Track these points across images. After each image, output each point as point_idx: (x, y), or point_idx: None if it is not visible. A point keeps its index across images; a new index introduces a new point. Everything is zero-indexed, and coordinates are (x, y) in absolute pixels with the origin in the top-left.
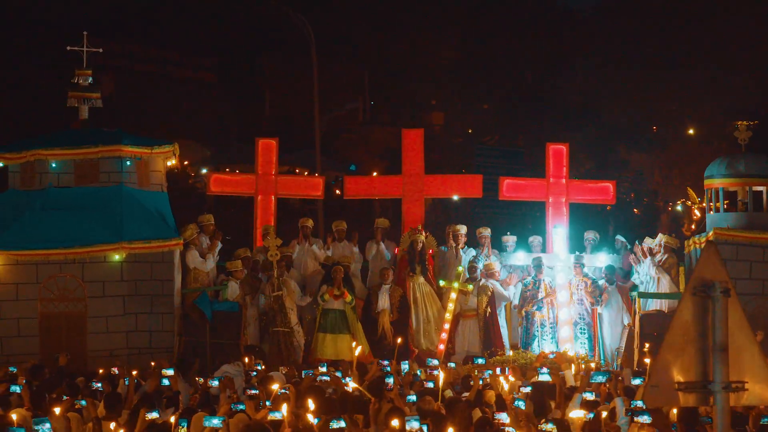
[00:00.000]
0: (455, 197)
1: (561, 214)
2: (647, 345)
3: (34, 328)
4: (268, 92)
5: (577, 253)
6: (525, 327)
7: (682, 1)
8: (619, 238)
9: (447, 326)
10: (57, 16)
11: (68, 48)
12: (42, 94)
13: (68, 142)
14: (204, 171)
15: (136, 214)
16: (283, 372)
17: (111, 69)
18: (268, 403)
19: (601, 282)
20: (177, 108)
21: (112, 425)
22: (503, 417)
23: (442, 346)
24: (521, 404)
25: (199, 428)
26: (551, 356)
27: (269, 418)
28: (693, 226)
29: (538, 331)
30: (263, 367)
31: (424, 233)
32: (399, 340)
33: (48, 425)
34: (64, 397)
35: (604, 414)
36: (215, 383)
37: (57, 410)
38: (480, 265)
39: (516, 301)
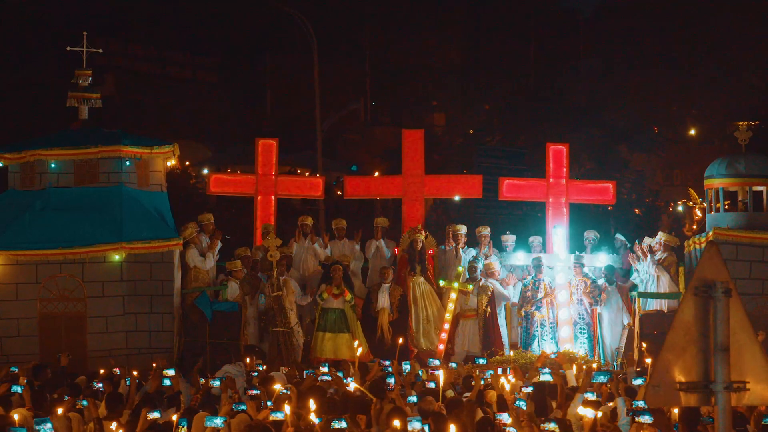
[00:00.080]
0: (456, 198)
1: (561, 215)
2: (644, 344)
3: (33, 328)
4: (270, 93)
5: (577, 252)
6: (525, 327)
7: (683, 2)
8: (619, 237)
9: (447, 326)
10: (58, 16)
11: (68, 48)
12: (42, 94)
13: (68, 143)
14: (205, 171)
15: (136, 215)
16: (284, 372)
17: (112, 69)
18: (269, 404)
19: (601, 282)
20: (178, 108)
21: (114, 425)
22: (504, 417)
23: (441, 346)
24: (522, 404)
25: (200, 428)
26: (553, 356)
27: (271, 418)
28: (694, 227)
29: (538, 331)
30: (264, 367)
31: (423, 233)
32: (400, 340)
33: (49, 425)
34: (66, 397)
35: (599, 414)
36: (217, 383)
37: (59, 410)
38: (480, 265)
39: (516, 300)
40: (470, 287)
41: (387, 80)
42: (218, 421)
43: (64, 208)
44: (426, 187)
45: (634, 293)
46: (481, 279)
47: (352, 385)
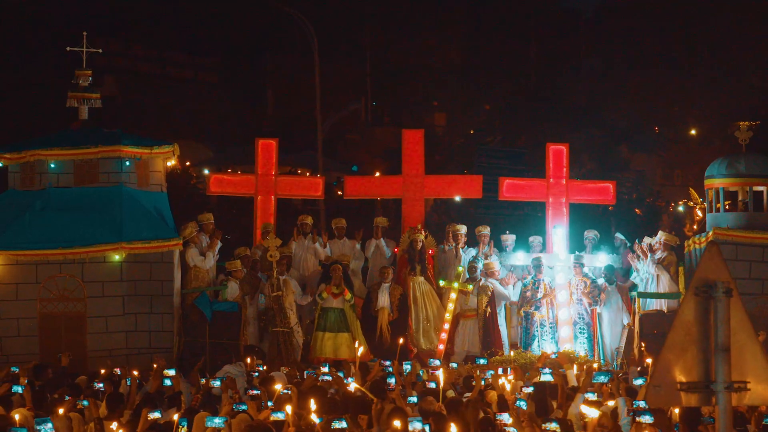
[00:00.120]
0: (457, 198)
1: (561, 215)
2: (643, 344)
3: (33, 328)
4: (270, 93)
5: (577, 252)
6: (525, 327)
7: (683, 2)
8: (618, 235)
9: (447, 326)
10: (58, 16)
11: (68, 49)
12: (42, 94)
13: (68, 143)
14: (206, 172)
15: (136, 215)
16: (285, 372)
17: (113, 70)
18: (269, 404)
19: (601, 281)
20: (179, 108)
21: (114, 425)
22: (505, 417)
23: (441, 346)
24: (523, 404)
25: (201, 428)
26: (553, 356)
27: (272, 418)
28: (695, 227)
29: (537, 331)
30: (265, 367)
31: (423, 233)
32: (401, 340)
33: (50, 425)
34: (67, 398)
35: (597, 414)
36: (217, 383)
37: (60, 410)
38: (480, 265)
39: (516, 299)
40: (470, 287)
41: (387, 80)
42: (219, 421)
43: (64, 208)
44: (426, 188)
45: (634, 293)
46: (481, 279)
47: (353, 386)
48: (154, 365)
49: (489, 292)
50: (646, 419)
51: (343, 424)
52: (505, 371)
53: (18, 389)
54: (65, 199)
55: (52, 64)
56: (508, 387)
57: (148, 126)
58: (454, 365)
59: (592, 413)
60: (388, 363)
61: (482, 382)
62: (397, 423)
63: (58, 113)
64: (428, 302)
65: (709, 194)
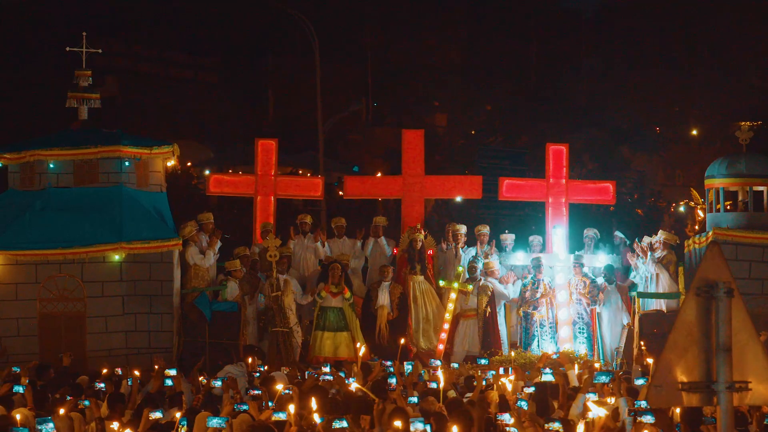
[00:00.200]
0: (458, 198)
1: (561, 215)
2: (643, 343)
3: (33, 328)
4: (271, 93)
5: (577, 252)
6: (524, 327)
7: (683, 2)
8: (618, 234)
9: (446, 326)
10: (58, 16)
11: (68, 49)
12: (42, 94)
13: (67, 143)
14: (207, 172)
15: (136, 215)
16: (285, 372)
17: (113, 70)
18: (271, 404)
19: (600, 281)
20: (179, 109)
21: (115, 425)
22: (506, 417)
23: (441, 346)
24: (524, 404)
25: (202, 428)
26: (555, 356)
27: (273, 418)
28: (696, 227)
29: (537, 331)
30: (266, 367)
31: (423, 232)
32: (402, 340)
33: (51, 425)
34: (68, 397)
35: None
36: (218, 383)
37: (61, 410)
38: (480, 265)
39: (516, 297)
40: (470, 287)
41: (388, 80)
42: (220, 421)
43: (63, 208)
44: (425, 188)
45: (634, 293)
46: (480, 279)
47: (354, 386)
48: (156, 366)
49: (489, 292)
50: (648, 419)
51: (345, 424)
52: (506, 371)
53: (19, 389)
54: (65, 199)
55: (52, 64)
56: (509, 387)
57: (149, 126)
58: (455, 365)
59: (599, 412)
60: (389, 363)
61: (483, 383)
62: (398, 423)
63: (58, 113)
64: (428, 302)
65: (709, 194)
